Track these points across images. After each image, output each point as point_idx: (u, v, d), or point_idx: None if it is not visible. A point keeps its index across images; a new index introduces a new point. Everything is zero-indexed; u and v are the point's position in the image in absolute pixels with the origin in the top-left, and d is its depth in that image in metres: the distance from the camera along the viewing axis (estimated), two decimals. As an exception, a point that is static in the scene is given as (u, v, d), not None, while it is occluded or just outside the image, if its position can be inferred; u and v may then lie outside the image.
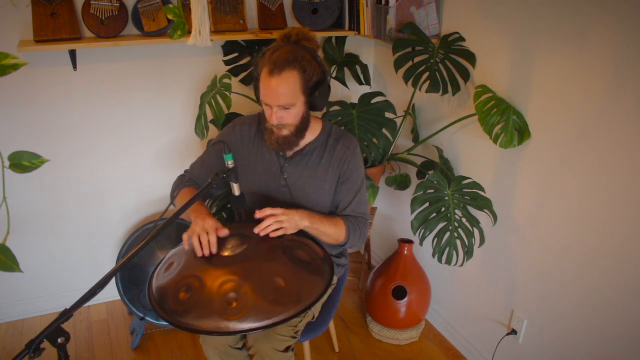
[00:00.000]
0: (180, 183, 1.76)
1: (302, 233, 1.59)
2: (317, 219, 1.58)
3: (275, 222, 1.48)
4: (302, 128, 1.59)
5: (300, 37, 1.55)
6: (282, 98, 1.48)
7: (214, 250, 1.41)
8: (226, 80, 2.08)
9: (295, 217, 1.52)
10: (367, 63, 2.59)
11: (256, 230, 1.47)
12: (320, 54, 2.57)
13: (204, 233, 1.41)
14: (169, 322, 1.30)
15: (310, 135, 1.66)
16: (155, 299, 1.38)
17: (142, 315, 2.33)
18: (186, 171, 1.81)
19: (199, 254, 1.40)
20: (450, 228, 1.90)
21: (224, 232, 1.46)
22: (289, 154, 1.67)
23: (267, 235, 1.48)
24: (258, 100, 1.60)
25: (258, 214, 1.48)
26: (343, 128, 2.04)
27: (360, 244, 1.71)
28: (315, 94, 1.54)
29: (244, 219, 1.86)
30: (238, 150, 1.71)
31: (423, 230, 1.91)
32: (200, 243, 1.41)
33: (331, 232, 1.61)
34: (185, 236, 1.45)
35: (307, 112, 1.58)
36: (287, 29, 1.58)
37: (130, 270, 2.35)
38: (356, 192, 1.68)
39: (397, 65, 2.06)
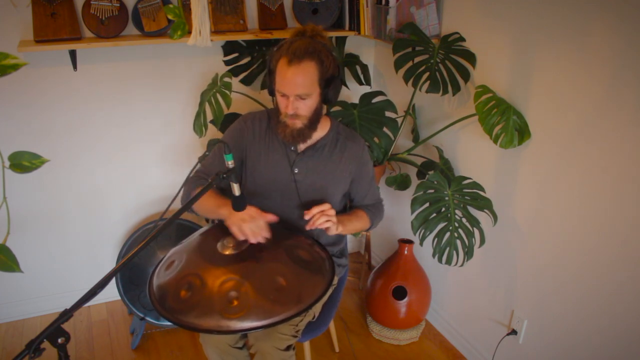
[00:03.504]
0: (195, 182, 1.74)
1: (301, 232, 1.59)
2: (347, 221, 1.68)
3: (324, 215, 1.51)
4: (314, 120, 1.61)
5: (314, 33, 1.57)
6: (299, 87, 1.50)
7: (265, 233, 1.46)
8: (227, 79, 2.08)
9: (338, 222, 1.58)
10: (367, 63, 2.59)
11: (309, 225, 1.51)
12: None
13: (252, 220, 1.45)
14: (169, 320, 1.30)
15: (321, 131, 1.68)
16: (155, 297, 1.38)
17: (142, 315, 2.33)
18: (198, 171, 1.78)
19: (254, 241, 1.44)
20: (450, 228, 1.90)
21: (272, 217, 1.50)
22: (301, 148, 1.68)
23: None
24: (271, 94, 1.61)
25: (307, 215, 1.52)
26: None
27: (380, 222, 1.87)
28: (329, 87, 1.56)
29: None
30: (250, 144, 1.71)
31: (423, 230, 1.91)
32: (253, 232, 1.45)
33: (359, 226, 1.75)
34: (234, 228, 1.45)
35: (320, 105, 1.61)
36: (300, 27, 1.61)
37: (130, 270, 2.35)
38: (369, 183, 1.79)
39: (397, 65, 2.06)
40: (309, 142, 1.68)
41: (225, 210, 1.49)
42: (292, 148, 1.68)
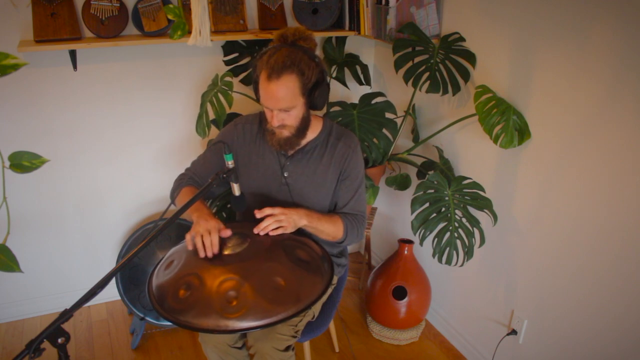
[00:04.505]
0: (181, 182, 1.76)
1: (302, 232, 1.59)
2: (315, 217, 1.60)
3: (275, 221, 1.49)
4: (302, 128, 1.60)
5: (296, 37, 1.54)
6: (281, 102, 1.49)
7: (215, 250, 1.41)
8: (227, 78, 2.08)
9: (294, 216, 1.53)
10: (367, 63, 2.59)
11: (255, 230, 1.48)
12: (320, 54, 2.57)
13: (207, 234, 1.41)
14: (167, 320, 1.31)
15: (311, 134, 1.67)
16: (154, 296, 1.38)
17: (142, 315, 2.33)
18: (187, 169, 1.81)
19: (202, 254, 1.41)
20: (450, 228, 1.90)
21: (227, 233, 1.46)
22: (290, 152, 1.68)
23: (267, 234, 1.48)
24: (258, 101, 1.60)
25: (258, 214, 1.49)
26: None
27: (357, 241, 1.73)
28: (314, 94, 1.54)
29: (242, 218, 1.86)
30: (240, 149, 1.71)
31: (423, 230, 1.91)
32: (204, 244, 1.41)
33: (329, 230, 1.63)
34: (188, 236, 1.45)
35: (307, 112, 1.59)
36: (283, 29, 1.57)
37: (130, 270, 2.35)
38: (355, 190, 1.70)
39: (397, 65, 2.06)
40: (298, 146, 1.67)
41: (195, 217, 1.48)
42: (282, 152, 1.68)
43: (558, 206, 1.74)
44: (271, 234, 1.49)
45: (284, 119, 1.54)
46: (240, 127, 1.73)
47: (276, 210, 1.50)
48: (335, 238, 1.67)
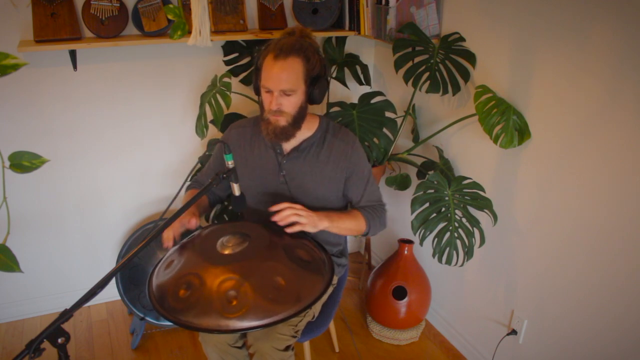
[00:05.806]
0: (189, 185, 1.85)
1: (302, 233, 1.60)
2: (336, 216, 1.63)
3: (294, 214, 1.50)
4: (298, 118, 1.60)
5: (303, 34, 1.58)
6: (284, 82, 1.51)
7: (169, 244, 1.53)
8: (226, 79, 2.08)
9: (315, 217, 1.55)
10: (367, 63, 2.59)
11: (276, 218, 1.50)
12: (320, 54, 2.57)
13: (171, 229, 1.54)
14: (168, 319, 1.31)
15: (307, 131, 1.67)
16: (155, 296, 1.38)
17: (142, 315, 2.33)
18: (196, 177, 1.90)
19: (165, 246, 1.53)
20: (450, 228, 1.90)
21: (193, 223, 1.58)
22: (286, 149, 1.68)
23: (267, 234, 1.48)
24: (256, 92, 1.61)
25: (275, 208, 1.52)
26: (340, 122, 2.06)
27: (382, 229, 1.78)
28: (314, 85, 1.56)
29: (245, 218, 1.86)
30: (234, 151, 1.73)
31: (423, 230, 1.91)
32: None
33: (351, 225, 1.68)
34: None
35: (305, 103, 1.60)
36: (289, 28, 1.62)
37: (130, 270, 2.35)
38: (365, 182, 1.72)
39: (397, 65, 2.06)
40: (294, 142, 1.67)
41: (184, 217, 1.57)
42: (278, 150, 1.68)
43: (558, 206, 1.75)
44: (289, 230, 1.50)
45: (282, 103, 1.54)
46: (234, 131, 1.76)
47: (297, 206, 1.53)
48: (359, 232, 1.72)
